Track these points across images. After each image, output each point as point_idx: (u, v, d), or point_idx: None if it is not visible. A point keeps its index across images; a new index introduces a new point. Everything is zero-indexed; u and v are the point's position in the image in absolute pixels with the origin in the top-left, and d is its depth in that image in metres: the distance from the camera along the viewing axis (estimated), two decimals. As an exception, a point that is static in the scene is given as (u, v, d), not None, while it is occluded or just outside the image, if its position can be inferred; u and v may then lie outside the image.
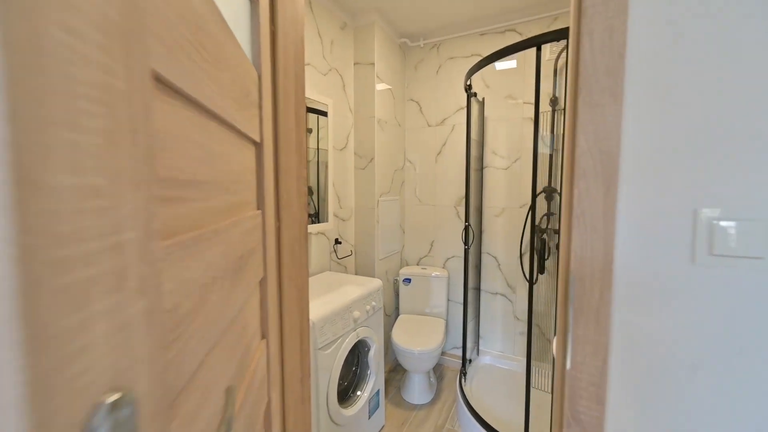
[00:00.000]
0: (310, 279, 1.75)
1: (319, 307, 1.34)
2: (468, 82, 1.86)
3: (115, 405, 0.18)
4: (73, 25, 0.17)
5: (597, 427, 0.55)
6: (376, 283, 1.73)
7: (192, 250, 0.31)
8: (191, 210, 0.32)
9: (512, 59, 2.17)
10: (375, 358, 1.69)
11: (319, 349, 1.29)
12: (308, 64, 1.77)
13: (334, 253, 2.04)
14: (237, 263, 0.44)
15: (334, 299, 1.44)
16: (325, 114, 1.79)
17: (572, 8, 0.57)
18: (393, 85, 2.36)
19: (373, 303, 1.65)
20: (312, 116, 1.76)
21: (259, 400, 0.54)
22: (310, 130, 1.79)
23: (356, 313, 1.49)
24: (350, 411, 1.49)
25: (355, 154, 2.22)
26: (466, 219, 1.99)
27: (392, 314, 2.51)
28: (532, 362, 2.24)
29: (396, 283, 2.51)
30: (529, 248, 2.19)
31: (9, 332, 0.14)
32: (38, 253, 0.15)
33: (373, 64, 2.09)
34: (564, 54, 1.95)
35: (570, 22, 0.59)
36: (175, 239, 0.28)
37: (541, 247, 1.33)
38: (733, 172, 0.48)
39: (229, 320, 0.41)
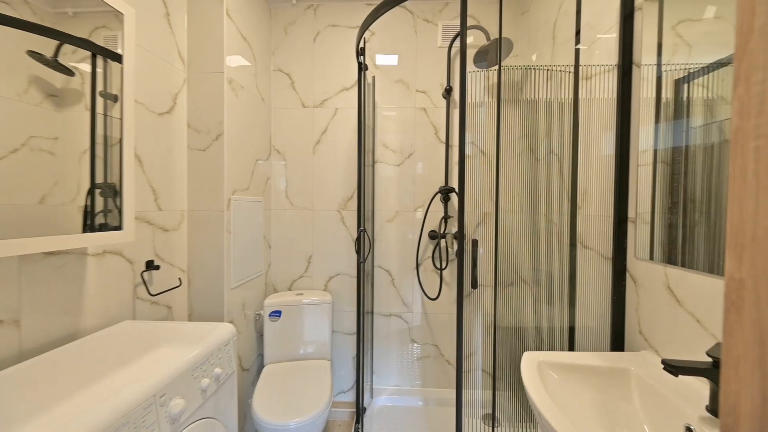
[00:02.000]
0: (83, 341, 0.86)
1: (67, 425, 0.55)
2: (361, 43, 1.42)
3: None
4: None
5: None
6: (222, 331, 1.00)
7: None
8: None
9: (394, 54, 1.88)
10: (222, 465, 0.95)
11: None
12: (81, -67, 0.94)
13: (143, 287, 1.17)
14: None
15: (122, 388, 0.66)
16: (117, 58, 0.97)
17: None
18: (254, 43, 1.70)
19: (218, 369, 0.92)
20: (116, 69, 0.93)
21: None
22: (114, 97, 0.95)
23: (177, 404, 0.75)
24: None
25: (189, 126, 1.42)
26: (360, 223, 1.51)
27: (253, 367, 1.74)
28: (432, 389, 1.92)
29: (259, 319, 1.77)
30: (426, 257, 1.89)
31: None
32: None
33: (221, -7, 1.40)
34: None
35: None
36: None
37: (473, 254, 0.98)
38: None
39: None
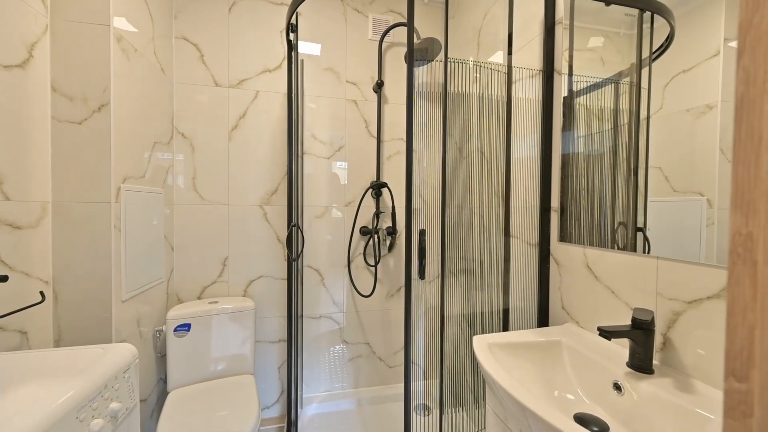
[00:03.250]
0: None
1: None
2: (293, 19, 1.29)
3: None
4: None
5: None
6: (119, 354, 0.77)
7: None
8: None
9: (322, 39, 1.79)
10: None
11: None
12: None
13: (-22, 307, 0.82)
14: None
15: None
16: None
17: None
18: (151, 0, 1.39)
19: (115, 404, 0.70)
20: None
21: None
22: None
23: (55, 462, 0.53)
24: None
25: (53, 90, 1.07)
26: (291, 218, 1.37)
27: (152, 395, 1.42)
28: (365, 389, 1.88)
29: (160, 336, 1.45)
30: (357, 254, 1.85)
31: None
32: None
33: (105, -77, 1.09)
34: (390, 34, 1.80)
35: None
36: None
37: (421, 244, 0.98)
38: None
39: None
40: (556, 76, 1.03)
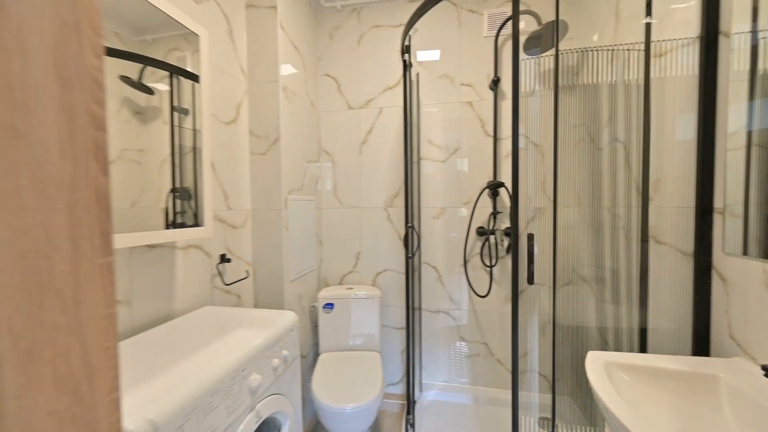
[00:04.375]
0: (176, 321, 1.01)
1: (174, 388, 0.66)
2: (407, 41, 1.45)
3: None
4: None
5: None
6: (287, 318, 1.10)
7: None
8: None
9: (437, 49, 1.87)
10: (289, 440, 1.04)
11: (171, 482, 0.61)
12: (165, -31, 1.08)
13: (218, 277, 1.31)
14: None
15: (212, 361, 0.77)
16: (193, 78, 1.10)
17: None
18: (303, 51, 1.80)
19: (285, 352, 1.02)
20: (186, 85, 1.07)
21: None
22: (185, 111, 1.09)
23: (255, 378, 0.84)
24: None
25: (250, 133, 1.56)
26: (407, 221, 1.54)
27: (309, 354, 1.86)
28: (482, 388, 1.90)
29: (313, 311, 1.88)
30: (474, 254, 1.87)
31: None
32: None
33: (275, 7, 1.51)
34: (507, 26, 1.74)
35: None
36: None
37: (530, 249, 0.96)
38: None
39: None
40: (722, 39, 0.81)
